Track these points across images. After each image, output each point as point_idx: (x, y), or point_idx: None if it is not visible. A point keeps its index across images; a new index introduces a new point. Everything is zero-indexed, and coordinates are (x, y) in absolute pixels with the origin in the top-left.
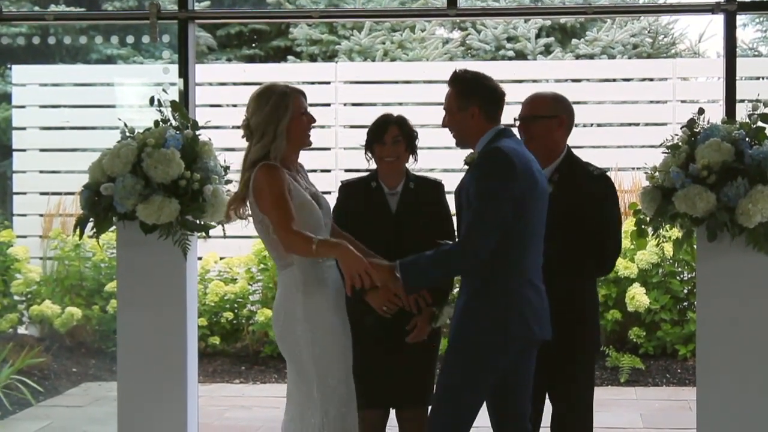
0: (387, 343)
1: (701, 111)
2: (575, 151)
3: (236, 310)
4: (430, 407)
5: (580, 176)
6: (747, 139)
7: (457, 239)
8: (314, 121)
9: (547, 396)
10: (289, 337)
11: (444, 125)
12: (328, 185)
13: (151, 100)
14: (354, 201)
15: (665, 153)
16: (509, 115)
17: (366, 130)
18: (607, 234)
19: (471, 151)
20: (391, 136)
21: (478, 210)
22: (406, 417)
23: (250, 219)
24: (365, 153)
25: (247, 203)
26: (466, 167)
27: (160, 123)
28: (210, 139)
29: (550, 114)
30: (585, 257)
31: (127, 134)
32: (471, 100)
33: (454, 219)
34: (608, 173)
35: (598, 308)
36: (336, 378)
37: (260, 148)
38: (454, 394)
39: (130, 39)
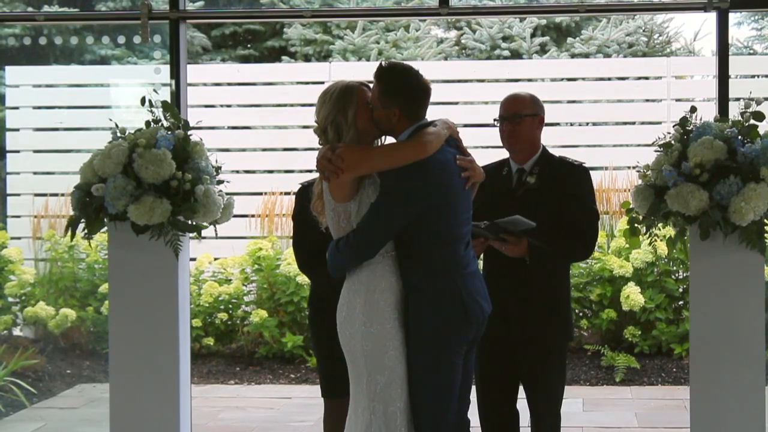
0: None
1: (693, 109)
2: (572, 150)
3: (231, 311)
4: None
5: (560, 167)
6: (739, 137)
7: None
8: None
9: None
10: (347, 330)
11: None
12: None
13: (142, 101)
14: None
15: (658, 151)
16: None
17: None
18: (591, 217)
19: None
20: None
21: (377, 208)
22: None
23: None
24: None
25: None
26: None
27: (152, 123)
28: (201, 139)
29: (533, 112)
30: (572, 242)
31: (118, 135)
32: (393, 101)
33: None
34: (603, 172)
35: (570, 297)
36: (386, 376)
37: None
38: (434, 386)
39: (121, 39)
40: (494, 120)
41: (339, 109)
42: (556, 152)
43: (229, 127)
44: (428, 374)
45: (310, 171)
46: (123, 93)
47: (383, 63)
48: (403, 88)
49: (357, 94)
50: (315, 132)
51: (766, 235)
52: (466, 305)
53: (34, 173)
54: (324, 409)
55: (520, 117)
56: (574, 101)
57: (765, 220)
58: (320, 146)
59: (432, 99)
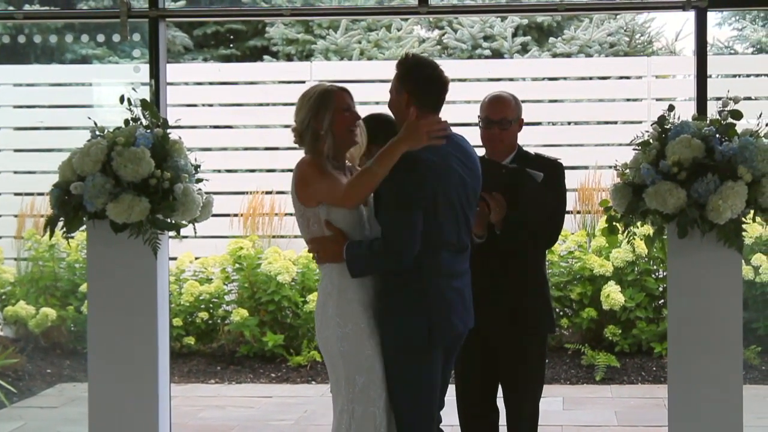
0: None
1: (671, 108)
2: (554, 149)
3: (211, 310)
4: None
5: (535, 163)
6: (717, 135)
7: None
8: (359, 117)
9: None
10: (323, 332)
11: (388, 106)
12: None
13: (121, 99)
14: None
15: (636, 150)
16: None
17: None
18: (558, 210)
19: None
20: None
21: (395, 217)
22: None
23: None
24: None
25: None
26: None
27: (131, 122)
28: (180, 137)
29: (518, 116)
30: (539, 234)
31: (97, 133)
32: (404, 86)
33: None
34: (585, 171)
35: (548, 288)
36: (365, 377)
37: (310, 150)
38: (404, 394)
39: (101, 38)
40: (478, 118)
41: (314, 114)
42: (538, 152)
43: (210, 127)
44: (397, 382)
45: (290, 170)
46: (104, 92)
47: (404, 54)
48: (415, 75)
49: (335, 100)
50: (293, 132)
51: (743, 233)
52: (431, 322)
53: (15, 172)
54: None
55: (510, 123)
56: (555, 101)
57: (742, 219)
58: (296, 146)
59: None
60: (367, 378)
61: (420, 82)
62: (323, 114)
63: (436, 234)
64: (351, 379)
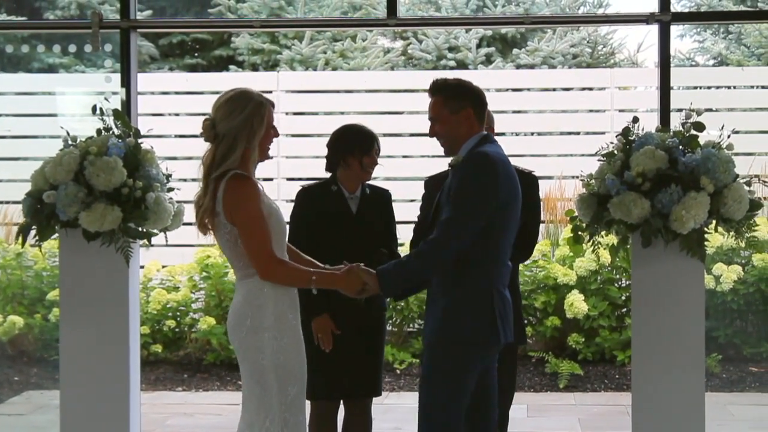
0: (340, 335)
1: (636, 119)
2: (518, 159)
3: (179, 318)
4: (417, 419)
5: None
6: (681, 146)
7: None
8: (278, 134)
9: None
10: (253, 344)
11: (432, 134)
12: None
13: (94, 109)
14: (316, 203)
15: (601, 161)
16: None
17: (312, 138)
18: (534, 222)
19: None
20: (376, 148)
21: (459, 208)
22: (355, 406)
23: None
24: (335, 158)
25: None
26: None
27: (103, 131)
28: (152, 147)
29: (488, 127)
30: (516, 246)
31: (70, 142)
32: (463, 103)
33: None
34: (550, 181)
35: (520, 301)
36: (296, 387)
37: (233, 161)
38: (442, 402)
39: (72, 48)
40: None
41: (248, 126)
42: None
43: (176, 136)
44: (438, 376)
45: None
46: (70, 101)
47: (436, 80)
48: (469, 90)
49: (269, 114)
50: (209, 128)
51: (705, 243)
52: (485, 333)
53: None
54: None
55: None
56: (519, 111)
57: (705, 228)
58: (205, 141)
59: (378, 109)
60: (299, 388)
61: (477, 97)
62: (258, 128)
63: (507, 243)
64: (283, 390)
